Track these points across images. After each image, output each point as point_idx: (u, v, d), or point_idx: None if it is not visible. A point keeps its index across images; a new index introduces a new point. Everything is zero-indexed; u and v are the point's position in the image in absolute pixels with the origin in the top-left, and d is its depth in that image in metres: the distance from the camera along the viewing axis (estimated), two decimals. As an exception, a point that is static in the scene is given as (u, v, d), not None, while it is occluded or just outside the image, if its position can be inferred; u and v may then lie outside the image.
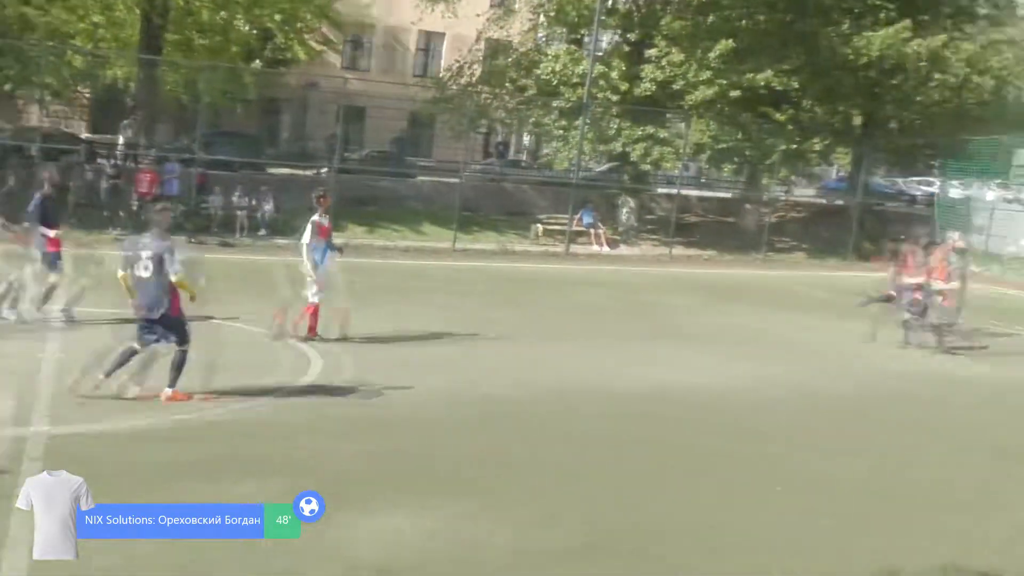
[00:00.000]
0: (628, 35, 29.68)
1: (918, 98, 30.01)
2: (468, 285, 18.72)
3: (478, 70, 30.78)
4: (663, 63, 27.33)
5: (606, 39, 31.44)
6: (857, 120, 31.54)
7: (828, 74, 28.28)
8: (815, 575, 5.97)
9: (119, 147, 26.66)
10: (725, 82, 26.62)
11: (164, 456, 7.09)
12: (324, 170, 29.80)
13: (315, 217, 11.61)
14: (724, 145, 29.71)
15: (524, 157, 43.63)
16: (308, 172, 31.02)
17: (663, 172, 31.54)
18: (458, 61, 30.68)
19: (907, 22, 26.66)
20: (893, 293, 15.09)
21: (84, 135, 33.68)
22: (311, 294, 11.58)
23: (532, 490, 7.08)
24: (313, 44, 34.41)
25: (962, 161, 31.12)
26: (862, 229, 31.00)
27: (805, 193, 42.94)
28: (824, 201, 38.96)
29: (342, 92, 26.62)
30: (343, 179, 26.35)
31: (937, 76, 28.34)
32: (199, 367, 8.71)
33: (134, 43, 28.44)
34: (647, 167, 28.58)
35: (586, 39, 29.99)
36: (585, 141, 27.48)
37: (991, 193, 32.58)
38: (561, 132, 28.55)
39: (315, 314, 11.57)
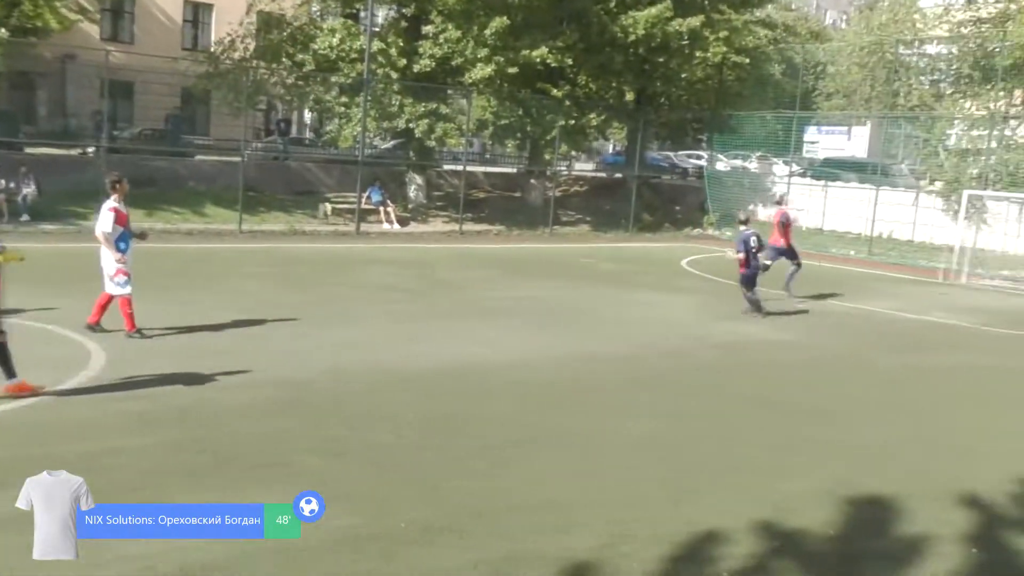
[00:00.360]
0: (404, 10, 29.52)
1: (683, 75, 31.80)
2: (257, 268, 18.05)
3: (252, 44, 29.59)
4: (440, 39, 27.39)
5: (382, 14, 31.13)
6: (630, 96, 32.98)
7: (600, 51, 29.39)
8: (656, 541, 6.18)
9: None
10: (502, 59, 27.04)
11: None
12: (91, 149, 27.79)
13: (111, 204, 10.80)
14: (505, 121, 30.30)
15: (308, 135, 42.56)
16: (73, 152, 28.82)
17: (449, 149, 31.78)
18: (229, 35, 29.35)
19: (668, 3, 28.06)
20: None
21: None
22: (118, 285, 10.82)
23: (359, 473, 6.92)
24: (66, 12, 31.83)
25: (727, 135, 33.35)
26: (641, 201, 32.56)
27: (586, 168, 44.61)
28: (604, 175, 40.61)
29: (104, 65, 24.69)
30: (113, 159, 24.61)
31: (699, 54, 30.05)
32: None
33: None
34: (432, 143, 28.63)
35: (362, 14, 29.53)
36: (368, 118, 27.10)
37: (780, 167, 35.11)
38: (343, 109, 28.06)
39: (126, 305, 10.85)
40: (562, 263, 22.28)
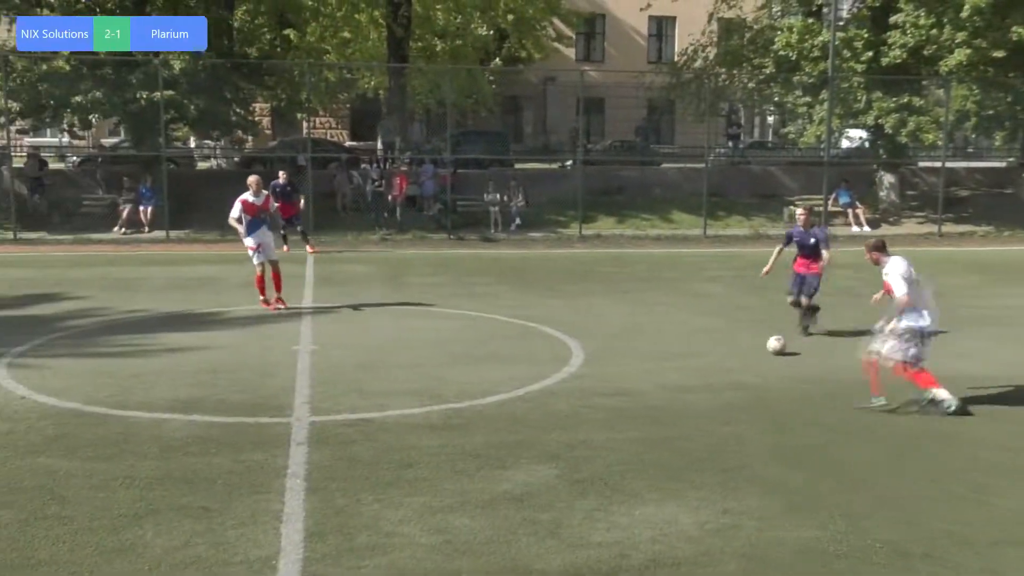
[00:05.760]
0: (869, 1, 27.71)
1: None
2: (720, 272, 18.25)
3: (712, 52, 29.97)
4: (908, 28, 25.33)
5: (846, 7, 29.60)
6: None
7: None
8: None
9: (378, 152, 28.36)
10: (984, 41, 24.34)
11: (434, 442, 7.37)
12: (568, 163, 30.23)
13: (243, 196, 12.74)
14: (991, 111, 27.18)
15: (771, 138, 42.15)
16: (553, 165, 31.60)
17: (923, 144, 29.30)
18: (692, 45, 30.00)
19: None
20: None
21: (347, 143, 36.56)
22: (253, 259, 12.90)
23: (824, 486, 6.62)
24: (547, 40, 35.10)
25: None
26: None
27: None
28: None
29: (579, 84, 26.72)
30: (588, 171, 26.69)
31: None
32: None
33: (381, 55, 30.15)
34: (904, 139, 26.61)
35: (824, 9, 28.35)
36: (833, 116, 25.90)
37: None
38: (804, 109, 27.30)
39: (260, 280, 12.94)
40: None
